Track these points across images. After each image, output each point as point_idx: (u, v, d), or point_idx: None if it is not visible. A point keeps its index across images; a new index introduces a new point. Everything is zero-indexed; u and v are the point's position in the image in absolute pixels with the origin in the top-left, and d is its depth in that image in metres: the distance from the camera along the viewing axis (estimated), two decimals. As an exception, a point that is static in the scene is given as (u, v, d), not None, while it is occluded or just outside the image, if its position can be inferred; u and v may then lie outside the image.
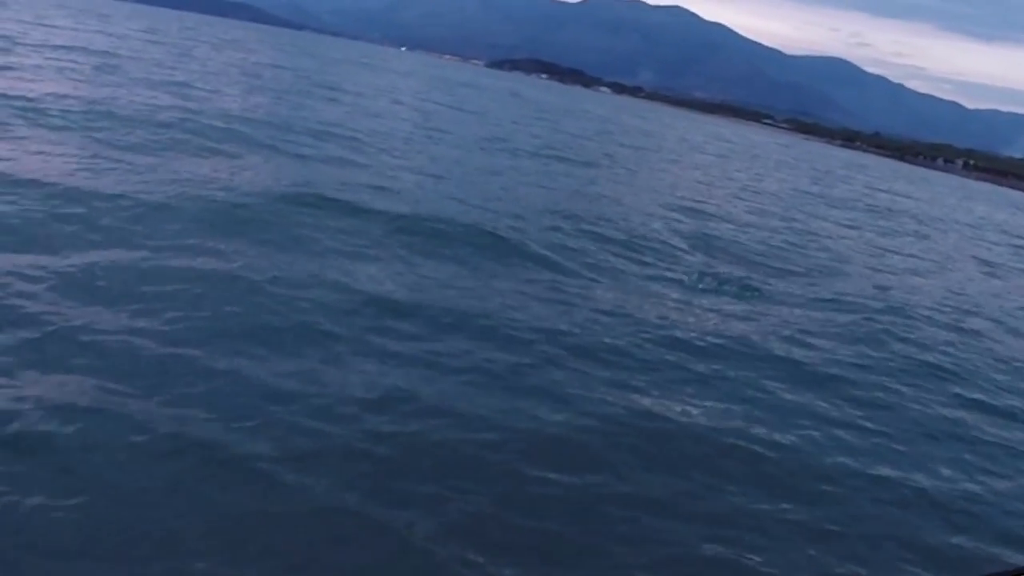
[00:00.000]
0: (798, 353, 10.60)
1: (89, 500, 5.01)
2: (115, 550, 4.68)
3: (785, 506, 6.50)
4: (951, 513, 7.04)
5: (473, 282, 10.99)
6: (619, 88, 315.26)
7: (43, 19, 47.33)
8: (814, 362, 10.38)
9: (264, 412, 6.33)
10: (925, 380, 10.71)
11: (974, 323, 15.34)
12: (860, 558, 6.03)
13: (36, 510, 4.85)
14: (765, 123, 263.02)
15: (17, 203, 10.22)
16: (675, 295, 12.43)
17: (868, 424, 8.62)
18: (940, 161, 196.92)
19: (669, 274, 13.79)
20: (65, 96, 19.22)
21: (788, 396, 8.94)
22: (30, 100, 17.39)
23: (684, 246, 16.45)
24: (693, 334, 10.41)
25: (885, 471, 7.51)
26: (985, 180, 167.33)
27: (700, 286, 13.35)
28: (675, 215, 20.52)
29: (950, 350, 12.63)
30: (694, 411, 7.96)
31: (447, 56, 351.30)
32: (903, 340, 12.54)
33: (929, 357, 11.93)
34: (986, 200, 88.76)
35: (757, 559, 5.68)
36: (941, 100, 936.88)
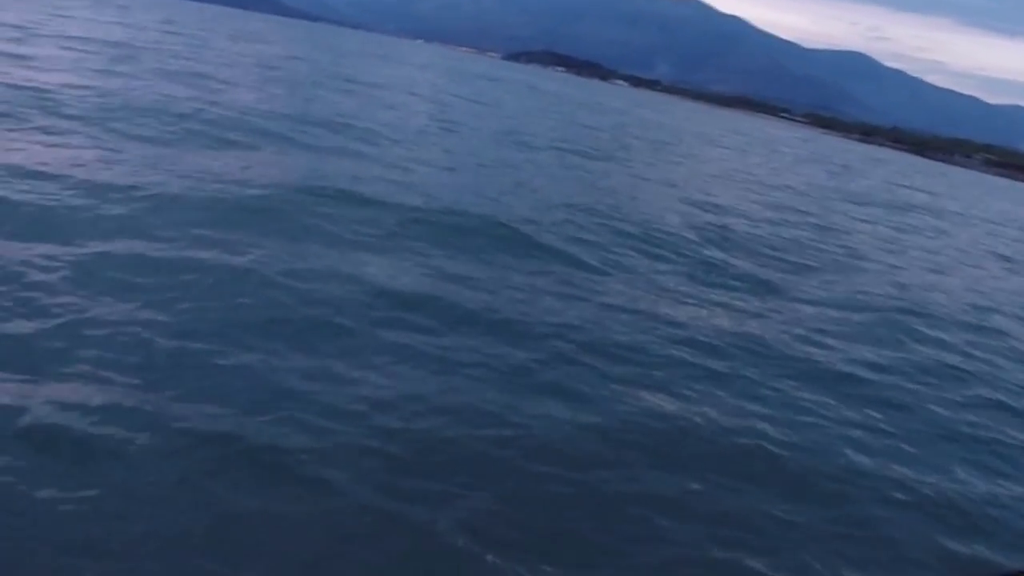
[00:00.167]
0: (813, 352, 10.48)
1: (99, 494, 4.98)
2: (123, 545, 4.65)
3: (797, 507, 6.41)
4: (967, 516, 6.94)
5: (486, 275, 10.91)
6: (636, 81, 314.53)
7: (61, 9, 47.43)
8: (829, 361, 10.26)
9: (275, 408, 6.29)
10: (943, 380, 10.58)
11: (994, 321, 15.16)
12: (874, 561, 5.95)
13: (45, 503, 4.82)
14: (783, 117, 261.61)
15: (31, 193, 10.23)
16: (689, 290, 12.32)
17: (883, 425, 8.51)
18: (958, 156, 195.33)
19: (683, 269, 13.67)
20: (81, 87, 19.26)
21: (802, 395, 8.83)
22: (46, 91, 17.43)
23: (699, 240, 16.31)
24: (706, 331, 10.31)
25: (900, 473, 7.41)
26: (1004, 175, 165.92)
27: (714, 282, 13.24)
28: (691, 209, 20.38)
29: (969, 349, 12.48)
30: (706, 409, 7.87)
31: (463, 48, 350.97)
32: (921, 339, 12.40)
33: (947, 356, 11.79)
34: (1005, 195, 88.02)
35: (768, 560, 5.61)
36: (961, 95, 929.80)
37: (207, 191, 12.06)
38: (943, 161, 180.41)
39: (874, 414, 8.73)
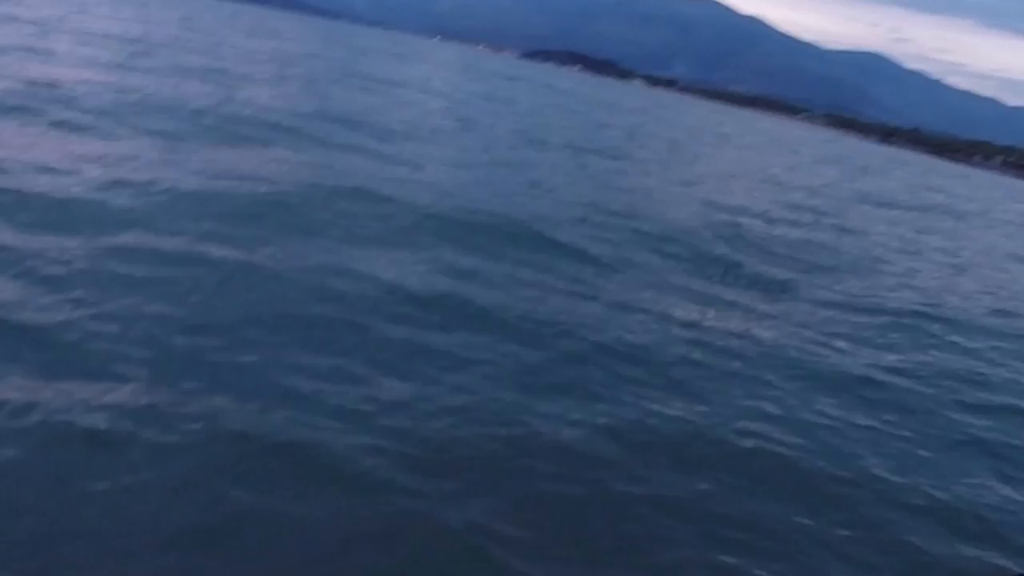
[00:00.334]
0: (828, 354, 10.36)
1: (104, 491, 4.95)
2: (128, 542, 4.62)
3: (808, 511, 6.33)
4: (982, 522, 6.83)
5: (499, 273, 10.86)
6: (653, 81, 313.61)
7: (80, 6, 47.79)
8: (844, 364, 10.13)
9: (285, 405, 6.25)
10: (959, 384, 10.42)
11: (1014, 325, 14.95)
12: (886, 566, 5.86)
13: (49, 498, 4.81)
14: (801, 118, 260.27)
15: (47, 186, 10.26)
16: (703, 291, 12.23)
17: (897, 429, 8.39)
18: (978, 158, 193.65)
19: (698, 269, 13.57)
20: (98, 82, 19.36)
21: (816, 398, 8.72)
22: (64, 86, 17.52)
23: (715, 240, 16.19)
24: (720, 332, 10.21)
25: (914, 478, 7.29)
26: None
27: (729, 282, 13.14)
28: (707, 209, 20.25)
29: (987, 353, 12.31)
30: (719, 411, 7.79)
31: (480, 46, 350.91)
32: (938, 342, 12.25)
33: (965, 360, 11.63)
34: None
35: (778, 565, 5.55)
36: (981, 97, 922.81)
37: (222, 187, 12.07)
38: (963, 163, 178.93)
39: (888, 418, 8.61)
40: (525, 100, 55.01)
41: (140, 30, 39.69)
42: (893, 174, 68.29)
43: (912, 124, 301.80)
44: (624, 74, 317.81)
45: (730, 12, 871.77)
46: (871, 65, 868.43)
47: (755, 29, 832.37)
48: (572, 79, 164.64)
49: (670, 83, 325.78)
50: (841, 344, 10.95)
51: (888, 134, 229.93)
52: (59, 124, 14.02)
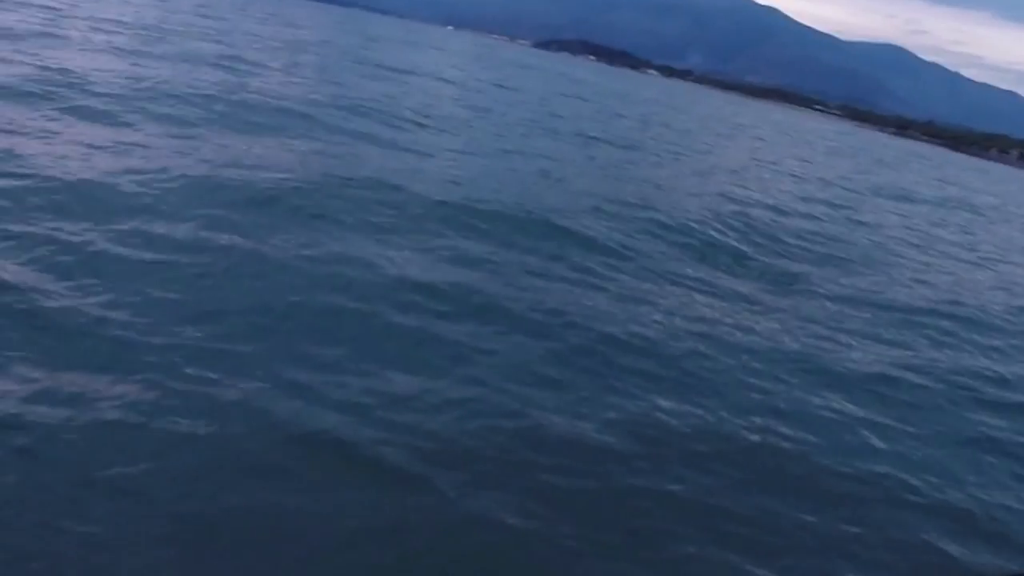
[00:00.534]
0: (837, 351, 10.24)
1: (109, 488, 4.92)
2: (133, 540, 4.60)
3: (814, 509, 6.27)
4: (989, 524, 6.75)
5: (509, 263, 10.80)
6: (668, 71, 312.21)
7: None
8: (854, 361, 10.00)
9: (292, 397, 6.22)
10: (972, 382, 10.30)
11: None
12: (890, 566, 5.80)
13: (56, 498, 4.77)
14: (816, 109, 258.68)
15: (58, 174, 10.23)
16: (712, 283, 12.13)
17: (906, 428, 8.28)
18: (994, 151, 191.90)
19: (708, 261, 13.48)
20: (110, 69, 19.34)
21: (824, 396, 8.62)
22: (76, 72, 17.50)
23: (726, 232, 16.07)
24: (728, 326, 10.13)
25: (922, 478, 7.20)
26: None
27: (739, 275, 13.04)
28: (719, 200, 20.10)
29: (1002, 351, 12.16)
30: (725, 407, 7.71)
31: (494, 35, 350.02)
32: (950, 340, 12.11)
33: (978, 358, 11.50)
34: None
35: (781, 562, 5.52)
36: (998, 89, 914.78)
37: (232, 175, 12.03)
38: (979, 156, 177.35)
39: (899, 415, 8.52)
40: (538, 89, 54.79)
41: (154, 16, 39.66)
42: (908, 167, 67.77)
43: (928, 117, 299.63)
44: (638, 64, 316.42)
45: (747, 3, 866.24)
46: (888, 57, 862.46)
47: (771, 20, 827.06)
48: (586, 69, 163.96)
49: (684, 73, 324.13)
50: (852, 339, 10.85)
51: (903, 126, 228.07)
52: (71, 110, 14.00)
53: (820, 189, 29.78)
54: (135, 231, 8.95)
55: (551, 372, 7.69)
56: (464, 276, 9.88)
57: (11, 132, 11.70)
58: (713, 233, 15.71)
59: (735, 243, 15.35)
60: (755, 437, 7.19)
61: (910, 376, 9.88)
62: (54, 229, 8.49)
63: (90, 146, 12.01)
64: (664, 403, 7.50)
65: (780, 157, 42.41)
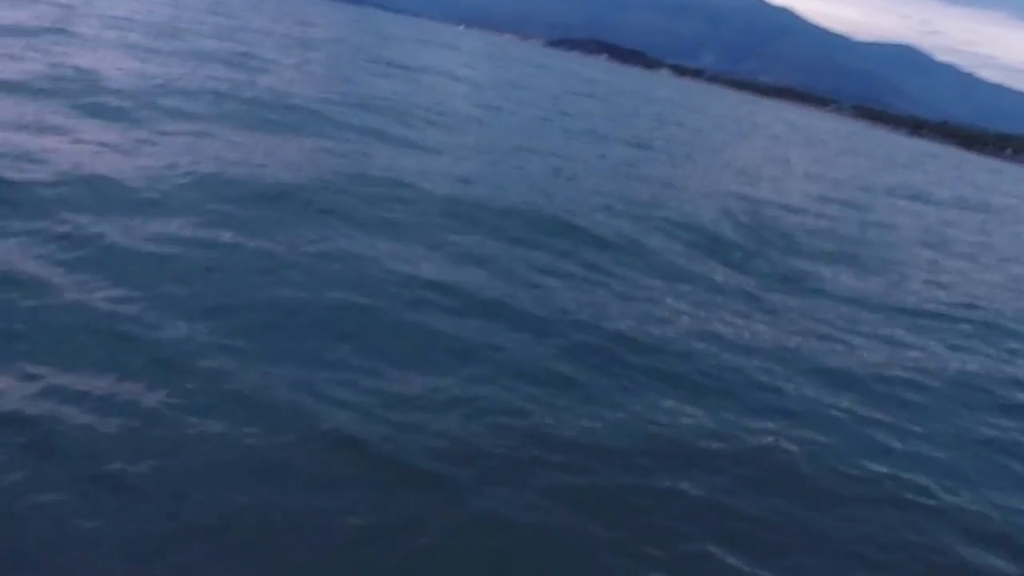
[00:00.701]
0: (845, 352, 10.11)
1: (113, 487, 4.89)
2: (136, 539, 4.57)
3: (820, 511, 6.20)
4: (996, 528, 6.64)
5: (516, 262, 10.76)
6: (680, 71, 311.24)
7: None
8: (862, 363, 9.87)
9: (300, 396, 6.18)
10: (983, 384, 10.19)
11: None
12: (892, 569, 5.72)
13: (62, 495, 4.74)
14: (829, 109, 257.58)
15: (68, 170, 10.25)
16: (723, 284, 12.05)
17: (912, 431, 8.17)
18: (1008, 151, 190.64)
19: (719, 261, 13.38)
20: (122, 67, 19.41)
21: (831, 397, 8.50)
22: (88, 70, 17.56)
23: (737, 232, 15.97)
24: (737, 327, 10.05)
25: (928, 482, 7.09)
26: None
27: (750, 275, 12.93)
28: (730, 200, 19.99)
29: (1013, 353, 12.01)
30: (732, 407, 7.66)
31: (506, 34, 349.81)
32: (960, 342, 11.97)
33: (988, 361, 11.35)
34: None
35: (785, 563, 5.47)
36: (1013, 90, 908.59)
37: (242, 172, 12.04)
38: (993, 156, 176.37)
39: (906, 418, 8.41)
40: (550, 88, 54.73)
41: (167, 13, 39.80)
42: (922, 167, 67.39)
43: (942, 117, 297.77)
44: (651, 63, 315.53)
45: (760, 2, 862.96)
46: (902, 57, 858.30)
47: (785, 20, 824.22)
48: (598, 68, 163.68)
49: (697, 73, 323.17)
50: (863, 340, 10.74)
51: (917, 126, 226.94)
52: (82, 106, 14.04)
53: (833, 189, 29.61)
54: (144, 227, 8.95)
55: (561, 370, 7.64)
56: (474, 273, 9.83)
57: (22, 128, 11.74)
58: (725, 233, 15.61)
59: (747, 244, 15.24)
60: (765, 437, 7.12)
61: (921, 377, 9.77)
62: (63, 224, 8.50)
63: (101, 142, 12.03)
64: (674, 402, 7.44)
65: (793, 157, 42.23)
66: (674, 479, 6.16)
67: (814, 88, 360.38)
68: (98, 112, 13.95)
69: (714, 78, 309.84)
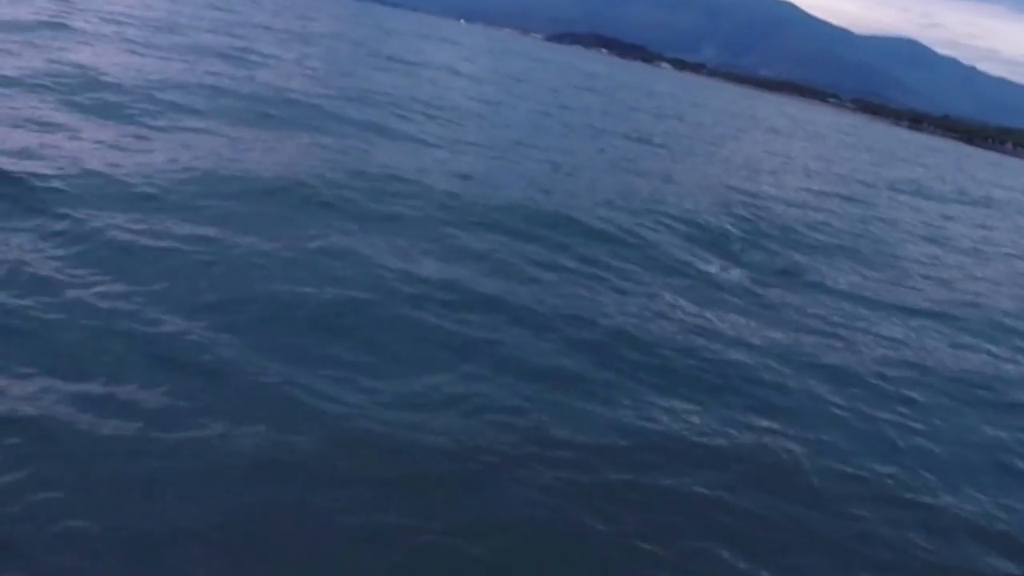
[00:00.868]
0: (843, 350, 10.07)
1: (115, 487, 4.87)
2: (138, 539, 4.55)
3: (816, 511, 6.19)
4: (991, 528, 6.62)
5: (516, 259, 10.74)
6: (681, 64, 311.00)
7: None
8: (860, 360, 9.82)
9: (297, 398, 6.15)
10: (982, 382, 10.16)
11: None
12: (888, 569, 5.71)
13: (64, 495, 4.71)
14: (830, 102, 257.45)
15: (65, 167, 10.21)
16: (723, 281, 12.03)
17: (910, 430, 8.14)
18: (1009, 145, 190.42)
19: (719, 257, 13.35)
20: (120, 62, 19.34)
21: (829, 396, 8.47)
22: (85, 66, 17.48)
23: (738, 227, 15.93)
24: (736, 324, 10.02)
25: (925, 482, 7.09)
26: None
27: (750, 272, 12.90)
28: (731, 194, 19.97)
29: (1014, 351, 11.97)
30: (731, 406, 7.64)
31: (506, 29, 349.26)
32: (960, 339, 11.93)
33: (987, 358, 11.32)
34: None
35: (781, 563, 5.46)
36: (1014, 83, 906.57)
37: (241, 168, 12.00)
38: (995, 150, 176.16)
39: (904, 416, 8.38)
40: (550, 82, 54.63)
41: (165, 8, 39.66)
42: (923, 161, 67.30)
43: (943, 111, 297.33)
44: (651, 58, 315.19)
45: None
46: (902, 51, 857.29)
47: (786, 14, 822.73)
48: (599, 62, 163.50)
49: (698, 67, 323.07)
50: (861, 337, 10.72)
51: (918, 120, 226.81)
52: (80, 103, 13.98)
53: (834, 183, 29.57)
54: (143, 222, 8.91)
55: (560, 366, 7.63)
56: (473, 268, 9.81)
57: (20, 124, 11.68)
58: (726, 228, 15.57)
59: (747, 239, 15.21)
60: (764, 434, 7.11)
61: (922, 374, 9.76)
62: (61, 220, 8.47)
63: (99, 138, 11.99)
64: (673, 399, 7.43)
65: (794, 151, 42.16)
66: (674, 476, 6.15)
67: (814, 82, 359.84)
68: (96, 108, 13.89)
69: (714, 72, 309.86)
